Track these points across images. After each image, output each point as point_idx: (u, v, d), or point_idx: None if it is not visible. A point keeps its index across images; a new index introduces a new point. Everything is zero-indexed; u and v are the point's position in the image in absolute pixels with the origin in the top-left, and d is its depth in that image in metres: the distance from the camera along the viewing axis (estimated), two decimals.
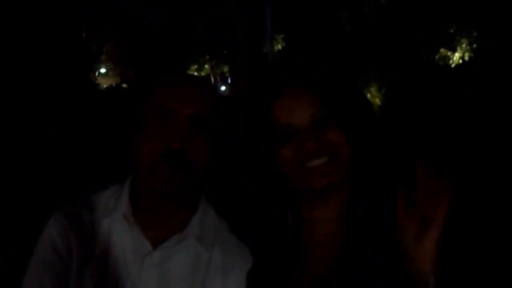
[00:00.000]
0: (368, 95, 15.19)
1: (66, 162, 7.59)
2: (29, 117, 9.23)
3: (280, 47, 20.82)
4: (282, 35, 21.14)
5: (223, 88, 24.26)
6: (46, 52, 11.22)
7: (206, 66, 25.02)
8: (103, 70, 22.48)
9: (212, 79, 24.93)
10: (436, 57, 14.40)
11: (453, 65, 13.94)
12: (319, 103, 1.44)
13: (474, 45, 13.76)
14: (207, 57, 24.47)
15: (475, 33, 13.80)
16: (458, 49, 14.25)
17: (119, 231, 1.55)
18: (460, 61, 14.05)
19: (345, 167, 1.46)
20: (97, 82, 19.14)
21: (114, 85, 19.97)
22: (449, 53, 14.35)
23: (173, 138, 1.44)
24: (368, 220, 1.46)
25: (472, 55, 13.81)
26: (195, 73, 24.63)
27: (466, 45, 14.09)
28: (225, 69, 23.77)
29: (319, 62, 1.55)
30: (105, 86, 19.46)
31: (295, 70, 1.52)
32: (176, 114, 1.46)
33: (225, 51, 22.78)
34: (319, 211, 1.53)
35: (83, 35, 15.06)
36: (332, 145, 1.44)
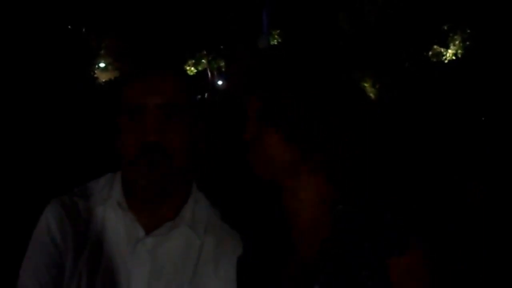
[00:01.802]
0: None
1: (66, 155, 7.57)
2: (29, 112, 9.20)
3: (276, 43, 20.82)
4: (278, 31, 21.14)
5: (220, 82, 24.21)
6: (46, 47, 11.15)
7: (203, 61, 24.95)
8: (102, 65, 22.38)
9: (209, 73, 24.88)
10: (430, 53, 14.38)
11: (446, 61, 13.95)
12: (263, 109, 1.46)
13: (467, 42, 13.75)
14: (204, 52, 24.41)
15: (468, 31, 13.79)
16: (451, 46, 14.23)
17: (113, 218, 1.55)
18: (454, 57, 14.03)
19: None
20: (96, 76, 19.08)
21: (112, 79, 19.86)
22: (442, 50, 14.32)
23: (146, 132, 1.43)
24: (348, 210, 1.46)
25: (464, 52, 13.83)
26: (192, 68, 24.65)
27: (459, 42, 14.07)
28: (222, 63, 23.74)
29: (276, 67, 1.52)
30: (103, 80, 19.40)
31: (252, 75, 1.54)
32: (145, 106, 1.44)
33: (222, 46, 22.79)
34: (287, 201, 1.52)
35: (83, 30, 14.98)
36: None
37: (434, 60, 14.17)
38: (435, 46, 14.39)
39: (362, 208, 1.42)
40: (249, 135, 1.48)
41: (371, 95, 14.92)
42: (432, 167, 4.66)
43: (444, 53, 14.30)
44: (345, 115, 1.45)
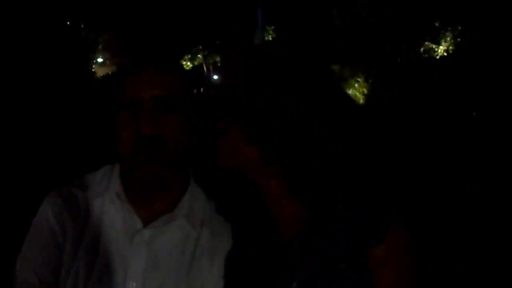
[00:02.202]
0: (356, 85, 15.25)
1: (65, 147, 7.54)
2: (29, 106, 9.19)
3: (271, 38, 20.91)
4: (273, 27, 21.20)
5: (215, 77, 24.27)
6: (47, 43, 11.10)
7: (199, 56, 25.00)
8: (100, 60, 22.37)
9: (205, 68, 24.93)
10: (421, 49, 14.41)
11: (437, 57, 13.99)
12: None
13: (458, 39, 13.78)
14: (200, 47, 24.47)
15: (459, 27, 13.81)
16: (443, 42, 14.25)
17: (111, 210, 1.53)
18: (445, 53, 14.06)
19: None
20: (93, 71, 19.06)
21: (110, 73, 19.87)
22: (434, 46, 14.34)
23: (143, 125, 1.41)
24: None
25: (455, 48, 13.88)
26: (188, 63, 24.68)
27: (450, 39, 14.09)
28: (218, 58, 23.81)
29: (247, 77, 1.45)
30: (101, 75, 19.40)
31: None
32: (142, 100, 1.42)
33: (217, 42, 22.87)
34: (264, 197, 1.48)
35: (82, 27, 14.93)
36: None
37: (426, 56, 14.19)
38: (426, 43, 14.41)
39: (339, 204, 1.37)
40: (220, 125, 1.44)
41: (364, 90, 14.94)
42: (432, 167, 4.60)
43: (436, 49, 14.32)
44: (345, 115, 1.40)
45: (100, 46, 21.41)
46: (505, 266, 3.38)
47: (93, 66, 20.25)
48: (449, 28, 14.04)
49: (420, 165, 4.62)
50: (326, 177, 1.38)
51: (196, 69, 24.56)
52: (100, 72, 20.07)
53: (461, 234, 3.59)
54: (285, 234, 1.45)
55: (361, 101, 14.68)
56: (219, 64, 23.75)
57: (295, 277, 1.37)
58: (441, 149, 5.24)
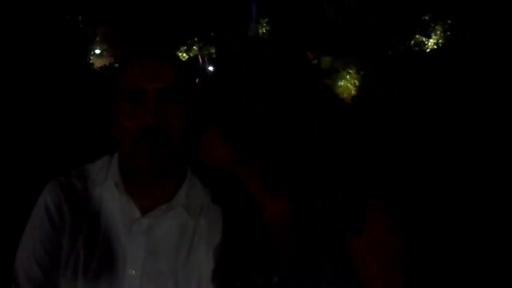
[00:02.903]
0: (347, 77, 15.23)
1: (63, 139, 7.50)
2: (28, 98, 9.14)
3: (264, 31, 20.98)
4: (266, 19, 21.22)
5: (210, 68, 24.24)
6: (46, 36, 11.00)
7: (194, 47, 24.96)
8: (97, 51, 22.33)
9: (200, 59, 24.93)
10: (412, 42, 14.39)
11: (427, 50, 13.99)
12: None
13: (448, 33, 13.77)
14: (196, 39, 24.41)
15: (449, 21, 13.81)
16: (433, 35, 14.24)
17: (110, 199, 1.55)
18: (435, 47, 14.06)
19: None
20: (91, 62, 19.00)
21: (107, 64, 19.82)
22: (424, 39, 14.32)
23: (146, 116, 1.41)
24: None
25: (444, 41, 13.89)
26: (184, 54, 24.67)
27: (440, 32, 14.08)
28: (213, 50, 23.83)
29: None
30: (99, 66, 19.34)
31: None
32: (145, 91, 1.42)
33: (212, 34, 22.89)
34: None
35: (79, 19, 14.86)
36: None
37: (417, 49, 14.19)
38: (417, 36, 14.39)
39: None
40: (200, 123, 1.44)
41: (356, 81, 14.91)
42: (432, 167, 4.55)
43: (426, 42, 14.30)
44: (345, 115, 1.39)
45: (98, 38, 21.40)
46: (505, 266, 3.33)
47: (91, 57, 20.20)
48: (439, 22, 14.03)
49: (420, 164, 4.57)
50: (326, 177, 1.34)
51: (192, 60, 24.58)
52: (98, 63, 20.03)
53: (461, 234, 3.54)
54: (266, 227, 1.44)
55: (353, 92, 14.69)
56: (214, 56, 23.77)
57: (276, 271, 1.35)
58: (440, 149, 5.19)
